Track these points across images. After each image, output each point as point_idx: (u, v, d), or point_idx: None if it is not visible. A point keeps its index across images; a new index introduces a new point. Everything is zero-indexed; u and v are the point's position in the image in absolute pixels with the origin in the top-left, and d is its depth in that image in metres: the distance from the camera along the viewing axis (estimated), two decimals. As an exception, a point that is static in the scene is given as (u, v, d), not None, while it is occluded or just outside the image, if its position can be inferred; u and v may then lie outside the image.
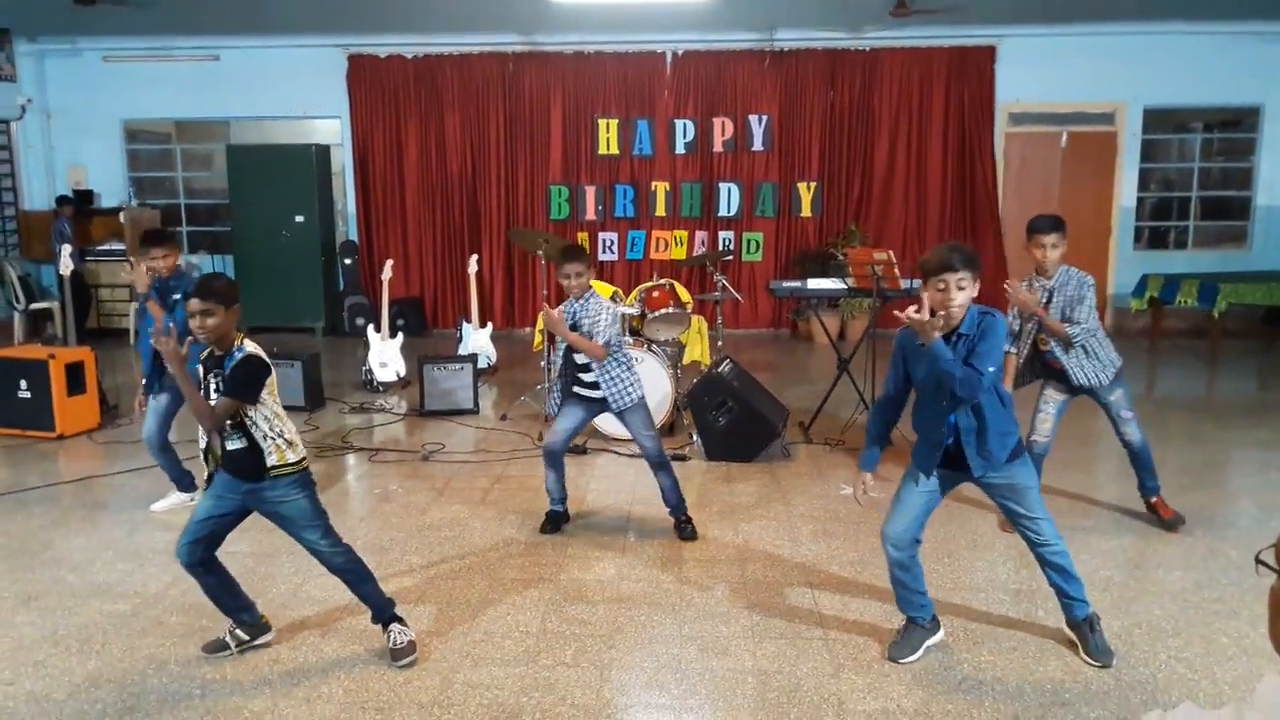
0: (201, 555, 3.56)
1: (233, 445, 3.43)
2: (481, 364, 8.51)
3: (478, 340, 8.93)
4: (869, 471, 3.69)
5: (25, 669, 3.56)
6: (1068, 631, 3.72)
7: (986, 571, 4.41)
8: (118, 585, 4.32)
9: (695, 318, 7.29)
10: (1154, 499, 4.99)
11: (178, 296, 5.13)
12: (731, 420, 6.17)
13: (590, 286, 4.85)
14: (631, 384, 4.83)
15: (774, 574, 4.42)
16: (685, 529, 4.90)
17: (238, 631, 3.68)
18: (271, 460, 3.43)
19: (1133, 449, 4.89)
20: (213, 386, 3.42)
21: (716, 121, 11.31)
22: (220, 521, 3.55)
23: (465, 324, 9.07)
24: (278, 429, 3.44)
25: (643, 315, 6.85)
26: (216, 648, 3.65)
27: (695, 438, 6.39)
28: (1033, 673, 3.51)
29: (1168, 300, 10.04)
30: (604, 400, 4.82)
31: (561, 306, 4.86)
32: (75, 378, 6.88)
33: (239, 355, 3.38)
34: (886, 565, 3.62)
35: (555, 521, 5.03)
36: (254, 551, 4.69)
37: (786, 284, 7.34)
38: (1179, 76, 11.03)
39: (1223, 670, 3.52)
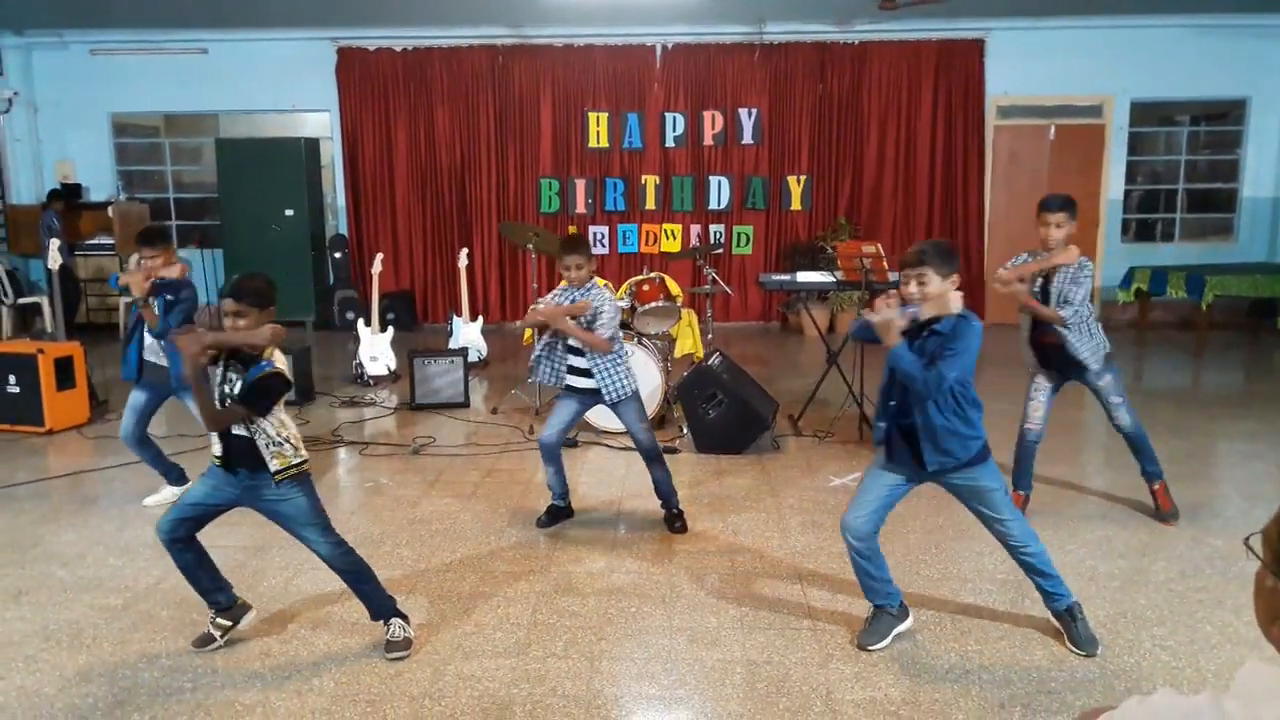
0: (183, 534, 3.57)
1: (237, 432, 3.42)
2: (472, 358, 8.52)
3: (468, 334, 8.94)
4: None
5: (16, 664, 3.57)
6: (1053, 621, 3.75)
7: (973, 562, 4.44)
8: (108, 580, 4.32)
9: (686, 311, 7.31)
10: (1156, 486, 5.01)
11: (169, 297, 5.09)
12: (721, 413, 6.19)
13: (592, 278, 4.84)
14: (625, 376, 4.82)
15: (763, 565, 4.45)
16: (676, 522, 4.91)
17: (219, 620, 3.69)
18: (275, 465, 3.42)
19: (1126, 434, 4.92)
20: (220, 378, 3.39)
21: (706, 115, 11.32)
22: (210, 510, 3.57)
23: (456, 318, 9.08)
24: (284, 435, 3.45)
25: (633, 309, 6.86)
26: (204, 642, 3.66)
27: (685, 430, 6.41)
28: (1019, 661, 3.54)
29: (1157, 293, 10.09)
30: (596, 392, 4.81)
31: (553, 294, 4.86)
32: (64, 372, 6.86)
33: (266, 368, 3.36)
34: (848, 555, 3.66)
35: (555, 516, 5.02)
36: (244, 545, 4.70)
37: (776, 277, 7.37)
38: (1166, 69, 11.09)
39: (1207, 659, 3.56)
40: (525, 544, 4.74)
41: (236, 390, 3.37)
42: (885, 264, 6.61)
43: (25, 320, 10.77)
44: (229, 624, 3.70)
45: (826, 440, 6.48)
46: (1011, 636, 3.74)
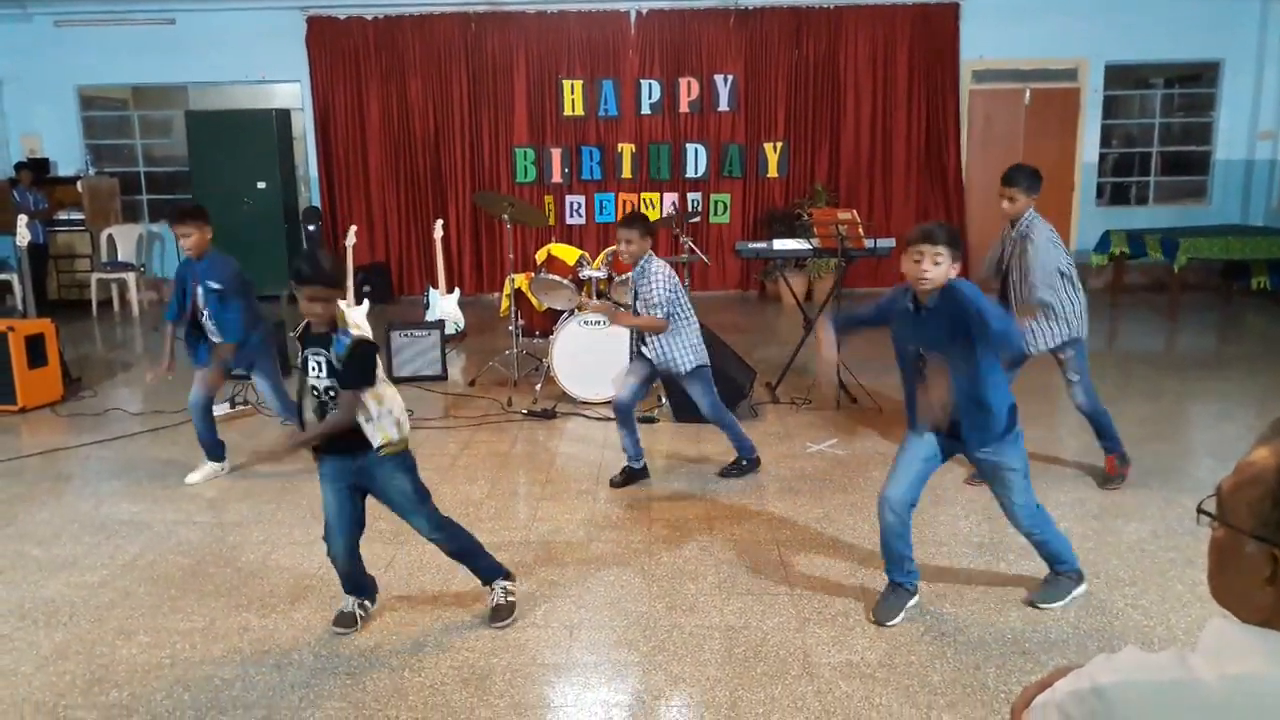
0: (357, 554, 3.58)
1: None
2: (449, 330, 8.48)
3: (445, 306, 8.89)
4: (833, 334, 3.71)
5: (-8, 643, 3.55)
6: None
7: (949, 525, 4.48)
8: (84, 558, 4.30)
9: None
10: (1109, 456, 5.03)
11: (217, 286, 5.05)
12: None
13: (648, 252, 4.90)
14: (680, 351, 4.93)
15: (741, 532, 4.47)
16: (736, 469, 5.21)
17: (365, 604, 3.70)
18: (378, 440, 3.30)
19: (1081, 412, 4.92)
20: (311, 364, 3.29)
21: (682, 82, 11.25)
22: (355, 509, 3.51)
23: (432, 290, 9.03)
24: (387, 406, 3.34)
25: (610, 278, 6.85)
26: (346, 622, 3.62)
27: (663, 400, 6.42)
28: (994, 623, 3.58)
29: (1136, 255, 10.13)
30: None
31: (622, 278, 4.93)
32: (36, 350, 6.78)
33: (347, 340, 3.21)
34: (880, 529, 3.61)
35: (630, 477, 5.14)
36: (222, 521, 4.69)
37: (752, 245, 7.34)
38: (1140, 32, 11.08)
39: (1178, 617, 3.61)
40: (504, 515, 4.74)
41: (323, 376, 3.27)
42: (861, 230, 6.61)
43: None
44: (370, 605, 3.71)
45: (804, 407, 6.51)
46: (986, 599, 3.78)
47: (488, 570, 3.68)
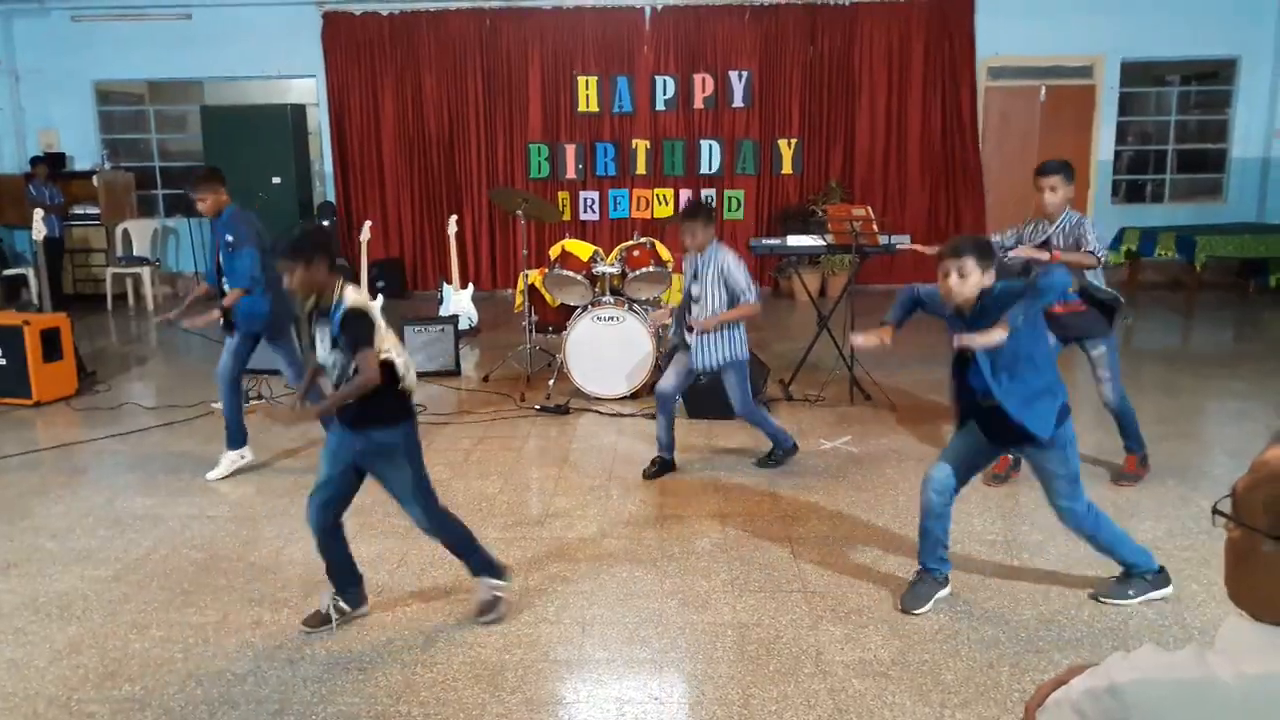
0: (332, 520, 3.53)
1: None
2: (463, 325, 8.49)
3: (459, 302, 8.90)
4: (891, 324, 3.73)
5: (5, 636, 3.56)
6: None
7: (963, 523, 4.44)
8: (98, 551, 4.32)
9: (676, 276, 7.28)
10: (1128, 455, 5.02)
11: (229, 237, 5.21)
12: (713, 378, 6.17)
13: (713, 239, 5.00)
14: (716, 347, 4.96)
15: (754, 529, 4.46)
16: (769, 460, 5.27)
17: (341, 604, 3.60)
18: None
19: (1109, 410, 4.91)
20: (318, 339, 3.34)
21: (697, 78, 11.22)
22: (346, 484, 3.51)
23: (446, 285, 9.04)
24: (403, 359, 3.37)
25: (623, 274, 6.84)
26: (319, 621, 3.56)
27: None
28: (1008, 622, 3.56)
29: (1145, 254, 10.09)
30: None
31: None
32: (51, 344, 6.82)
33: (339, 312, 3.24)
34: (921, 509, 3.64)
35: (662, 468, 5.20)
36: (235, 516, 4.70)
37: (766, 241, 7.32)
38: (1157, 29, 10.99)
39: (1192, 616, 3.58)
40: (517, 510, 4.74)
41: (328, 350, 3.31)
42: (875, 227, 6.58)
43: (11, 292, 10.70)
44: (348, 609, 3.62)
45: (817, 404, 6.49)
46: (999, 597, 3.76)
47: (478, 566, 3.65)
